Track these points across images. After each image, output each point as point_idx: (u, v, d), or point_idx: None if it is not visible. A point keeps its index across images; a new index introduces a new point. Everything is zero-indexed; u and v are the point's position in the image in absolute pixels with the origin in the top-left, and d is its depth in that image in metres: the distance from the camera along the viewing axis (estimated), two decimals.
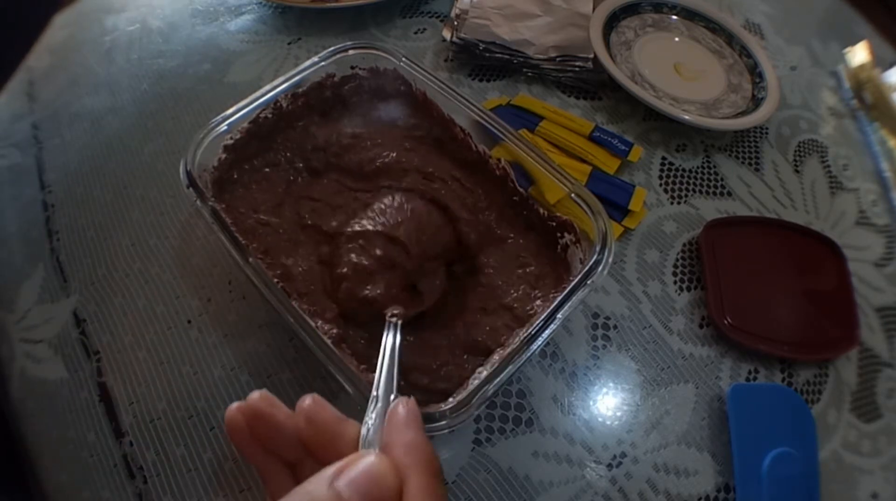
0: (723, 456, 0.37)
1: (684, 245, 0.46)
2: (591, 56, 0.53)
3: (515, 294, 0.36)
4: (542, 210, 0.38)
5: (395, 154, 0.41)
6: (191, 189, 0.34)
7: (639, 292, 0.43)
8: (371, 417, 0.24)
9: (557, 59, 0.53)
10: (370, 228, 0.35)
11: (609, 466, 0.36)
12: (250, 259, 0.31)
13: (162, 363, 0.38)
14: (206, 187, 0.35)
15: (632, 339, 0.41)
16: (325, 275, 0.36)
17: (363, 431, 0.24)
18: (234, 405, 0.23)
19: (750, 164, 0.52)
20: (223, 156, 0.38)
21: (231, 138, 0.38)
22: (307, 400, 0.23)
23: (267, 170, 0.40)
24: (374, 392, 0.26)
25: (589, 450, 0.37)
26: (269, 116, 0.39)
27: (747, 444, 0.37)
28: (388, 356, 0.29)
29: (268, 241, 0.37)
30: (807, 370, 0.42)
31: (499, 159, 0.39)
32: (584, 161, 0.48)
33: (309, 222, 0.38)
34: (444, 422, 0.27)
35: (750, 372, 0.41)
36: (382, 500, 0.19)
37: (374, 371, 0.33)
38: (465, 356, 0.34)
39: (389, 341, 0.30)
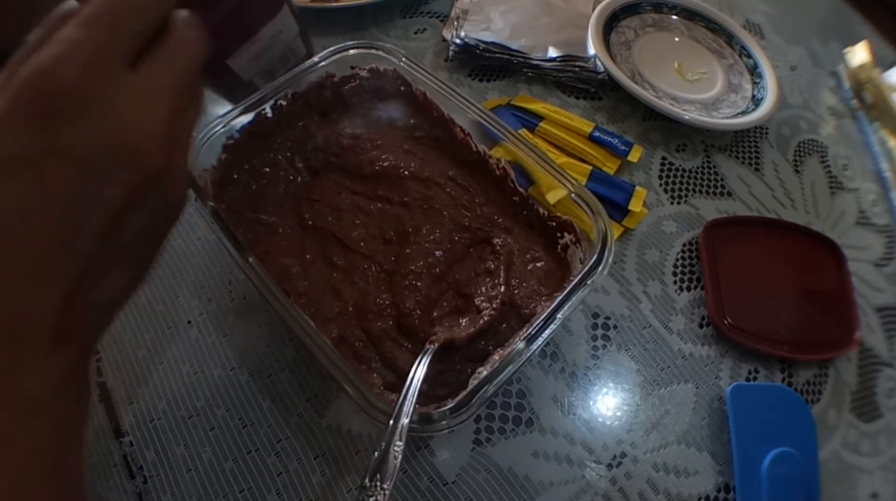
0: (723, 456, 0.37)
1: (684, 245, 0.46)
2: (592, 56, 0.53)
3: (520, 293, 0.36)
4: (542, 210, 0.38)
5: (394, 157, 0.41)
6: (191, 189, 0.34)
7: (639, 292, 0.43)
8: (389, 440, 0.25)
9: (557, 59, 0.53)
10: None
11: (609, 466, 0.36)
12: (250, 259, 0.31)
13: (162, 362, 0.38)
14: (206, 187, 0.35)
15: (632, 339, 0.41)
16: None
17: (376, 454, 0.24)
18: None
19: (750, 164, 0.52)
20: (223, 156, 0.38)
21: (231, 138, 0.38)
22: None
23: (267, 170, 0.40)
24: (403, 418, 0.26)
25: (589, 450, 0.37)
26: (269, 116, 0.39)
27: (747, 444, 0.37)
28: (418, 379, 0.29)
29: (268, 241, 0.37)
30: (807, 370, 0.42)
31: (499, 159, 0.39)
32: (584, 161, 0.48)
33: (310, 223, 0.38)
34: (443, 423, 0.27)
35: (750, 372, 0.41)
36: None
37: (373, 373, 0.33)
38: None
39: (423, 365, 0.31)
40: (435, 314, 0.36)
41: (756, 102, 0.53)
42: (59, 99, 0.19)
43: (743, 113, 0.52)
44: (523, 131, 0.49)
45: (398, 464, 0.25)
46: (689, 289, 0.44)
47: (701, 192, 0.49)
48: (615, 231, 0.45)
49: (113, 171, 0.20)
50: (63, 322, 0.20)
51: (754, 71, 0.56)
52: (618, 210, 0.46)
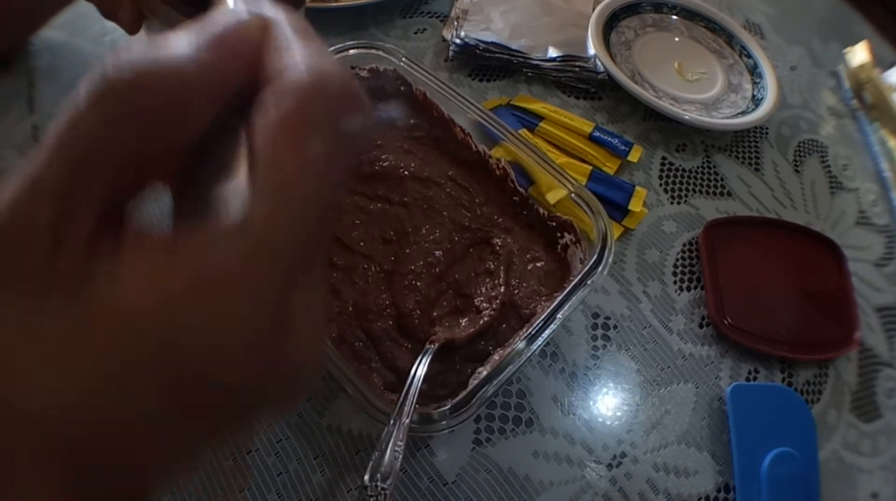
0: (723, 456, 0.37)
1: (684, 245, 0.46)
2: (592, 56, 0.53)
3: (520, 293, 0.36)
4: (542, 210, 0.38)
5: (394, 157, 0.41)
6: None
7: (639, 292, 0.43)
8: (389, 440, 0.25)
9: (557, 59, 0.53)
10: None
11: (609, 466, 0.36)
12: None
13: None
14: None
15: (632, 339, 0.41)
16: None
17: (376, 454, 0.24)
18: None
19: (750, 164, 0.52)
20: None
21: None
22: None
23: None
24: (403, 418, 0.26)
25: (589, 450, 0.37)
26: None
27: (747, 444, 0.37)
28: (419, 379, 0.29)
29: None
30: (807, 370, 0.42)
31: (499, 159, 0.39)
32: (584, 161, 0.48)
33: None
34: (443, 423, 0.27)
35: (750, 372, 0.41)
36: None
37: (373, 373, 0.33)
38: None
39: (423, 365, 0.31)
40: (435, 313, 0.36)
41: (756, 102, 0.53)
42: (230, 380, 0.13)
43: (743, 113, 0.52)
44: (523, 131, 0.49)
45: (398, 464, 0.25)
46: (689, 289, 0.44)
47: (701, 192, 0.49)
48: (615, 231, 0.45)
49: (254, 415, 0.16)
50: None
51: (754, 71, 0.56)
52: (618, 210, 0.46)
